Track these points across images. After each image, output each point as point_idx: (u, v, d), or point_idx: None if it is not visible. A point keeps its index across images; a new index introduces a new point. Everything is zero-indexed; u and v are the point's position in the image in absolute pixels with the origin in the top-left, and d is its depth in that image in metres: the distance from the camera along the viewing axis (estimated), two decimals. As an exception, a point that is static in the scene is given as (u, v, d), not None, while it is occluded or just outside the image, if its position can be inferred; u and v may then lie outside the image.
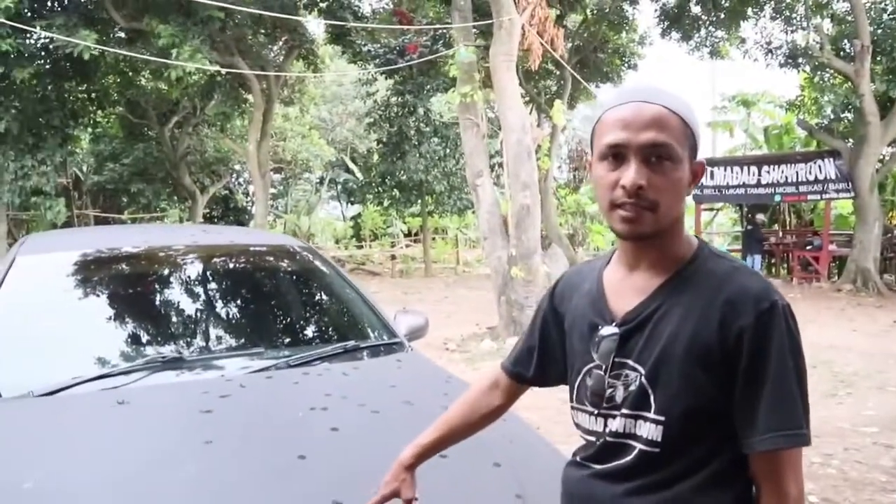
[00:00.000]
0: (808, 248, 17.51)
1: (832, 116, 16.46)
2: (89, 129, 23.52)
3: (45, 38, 16.56)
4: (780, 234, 19.84)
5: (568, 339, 1.36)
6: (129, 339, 2.73)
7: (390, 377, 2.58)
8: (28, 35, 16.27)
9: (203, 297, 3.06)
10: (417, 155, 20.93)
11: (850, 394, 6.50)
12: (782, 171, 16.92)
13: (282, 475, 1.78)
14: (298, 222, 28.51)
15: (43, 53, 17.64)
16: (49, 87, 18.00)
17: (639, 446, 1.20)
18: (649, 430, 1.19)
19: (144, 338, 2.77)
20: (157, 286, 3.02)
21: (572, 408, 1.34)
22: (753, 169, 17.37)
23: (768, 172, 17.12)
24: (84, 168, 26.32)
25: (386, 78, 21.66)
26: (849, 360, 7.92)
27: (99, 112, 22.32)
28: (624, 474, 1.22)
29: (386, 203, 23.27)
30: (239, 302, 3.19)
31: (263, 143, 19.32)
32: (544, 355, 1.44)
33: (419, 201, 22.75)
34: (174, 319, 2.89)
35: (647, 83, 1.26)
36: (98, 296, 2.90)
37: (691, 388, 1.16)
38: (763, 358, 1.13)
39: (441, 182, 21.51)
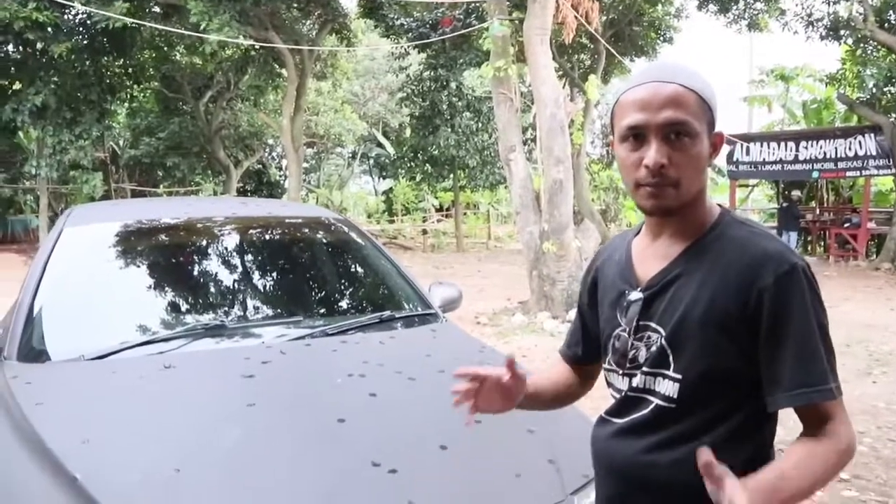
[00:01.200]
0: (846, 225, 17.20)
1: (874, 91, 16.03)
2: (126, 104, 23.83)
3: (82, 13, 16.75)
4: (818, 211, 19.50)
5: (601, 308, 1.42)
6: (172, 307, 2.82)
7: (425, 346, 2.64)
8: (66, 9, 16.47)
9: (242, 267, 3.14)
10: (450, 129, 20.88)
11: (885, 373, 6.43)
12: (821, 147, 16.59)
13: (323, 437, 1.84)
14: (330, 196, 28.69)
15: (80, 28, 17.88)
16: (87, 62, 18.25)
17: (656, 401, 1.26)
18: (668, 387, 1.24)
19: (187, 306, 2.86)
20: (198, 256, 3.10)
21: (605, 369, 1.41)
22: (791, 145, 17.05)
23: (806, 148, 16.79)
24: (121, 142, 26.71)
25: (419, 52, 21.58)
26: (885, 338, 7.82)
27: (135, 87, 22.59)
28: (643, 429, 1.28)
29: (418, 178, 23.29)
30: (277, 272, 3.26)
31: (297, 118, 19.42)
32: (589, 333, 1.50)
33: (451, 176, 22.73)
34: (215, 288, 2.98)
35: (663, 62, 1.30)
36: (142, 265, 2.99)
37: (709, 350, 1.20)
38: (785, 317, 1.16)
39: (473, 157, 21.45)
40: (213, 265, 3.10)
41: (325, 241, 3.52)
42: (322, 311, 3.06)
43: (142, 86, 23.01)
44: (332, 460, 1.75)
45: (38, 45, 16.70)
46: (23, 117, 17.08)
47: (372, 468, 1.70)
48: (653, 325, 1.28)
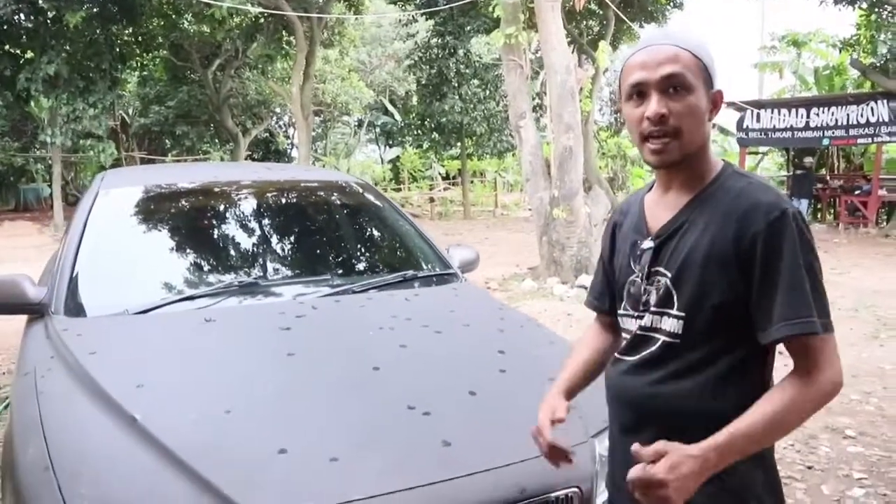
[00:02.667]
0: (857, 192, 17.16)
1: (888, 56, 15.88)
2: (136, 73, 23.82)
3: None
4: (828, 178, 19.44)
5: (618, 258, 1.55)
6: (207, 266, 2.94)
7: (448, 303, 2.76)
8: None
9: (271, 227, 3.25)
10: (457, 97, 20.83)
11: (892, 336, 6.54)
12: (832, 114, 16.50)
13: (360, 383, 1.97)
14: (337, 165, 28.71)
15: (91, -3, 17.79)
16: (98, 31, 18.23)
17: (662, 338, 1.39)
18: (672, 324, 1.37)
19: (220, 265, 2.97)
20: (228, 217, 3.21)
21: (619, 315, 1.53)
22: (802, 111, 16.96)
23: (817, 115, 16.70)
24: (130, 111, 26.73)
25: (426, 19, 21.46)
26: (893, 304, 7.90)
27: (145, 55, 22.56)
28: (651, 364, 1.40)
29: (425, 145, 23.30)
30: (305, 233, 3.37)
31: (306, 86, 19.39)
32: (611, 284, 1.61)
33: (458, 144, 22.72)
34: (246, 248, 3.09)
35: (665, 30, 1.48)
36: (176, 226, 3.10)
37: (709, 289, 1.32)
38: (775, 258, 1.27)
39: (480, 124, 21.42)
40: (242, 226, 3.21)
41: (348, 203, 3.63)
42: (348, 270, 3.18)
43: (151, 54, 22.98)
44: (370, 403, 1.87)
45: (50, 14, 16.70)
46: (36, 86, 17.13)
47: (407, 411, 1.83)
48: (662, 269, 1.40)
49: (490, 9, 13.44)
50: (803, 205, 17.21)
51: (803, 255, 1.28)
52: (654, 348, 1.40)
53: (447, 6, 18.72)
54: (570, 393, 1.65)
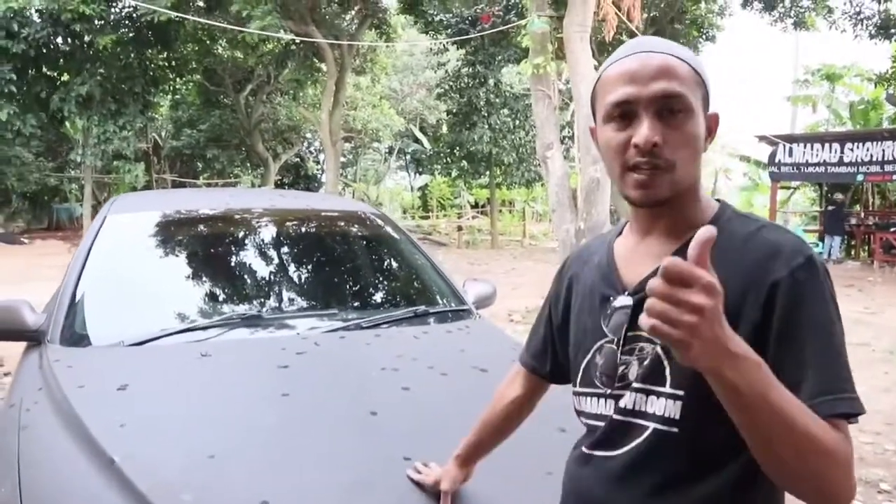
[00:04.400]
0: (892, 230, 16.78)
1: (925, 92, 15.62)
2: (168, 96, 24.28)
3: (128, 6, 17.07)
4: (862, 214, 19.06)
5: (576, 319, 1.25)
6: (210, 297, 2.86)
7: (459, 342, 2.63)
8: (112, 3, 16.79)
9: (279, 258, 3.17)
10: (487, 126, 20.87)
11: (930, 381, 6.28)
12: (867, 149, 16.20)
13: (354, 429, 1.85)
14: (367, 191, 28.88)
15: (126, 21, 18.25)
16: (131, 55, 18.65)
17: (652, 425, 1.06)
18: (664, 406, 1.05)
19: (224, 295, 2.90)
20: (236, 247, 3.14)
21: (576, 393, 1.23)
22: (836, 146, 16.68)
23: (851, 150, 16.41)
24: (163, 133, 27.19)
25: (457, 48, 21.59)
26: (930, 347, 7.62)
27: (178, 79, 23.04)
28: (642, 465, 1.07)
29: (454, 174, 23.33)
30: (314, 264, 3.29)
31: (336, 112, 19.56)
32: (558, 348, 1.35)
33: (487, 173, 22.72)
34: (252, 279, 3.01)
35: (649, 37, 1.14)
36: (182, 254, 3.04)
37: None
38: (801, 314, 0.98)
39: (510, 154, 21.42)
40: (250, 256, 3.13)
41: (361, 234, 3.54)
42: (357, 304, 3.08)
43: (184, 78, 23.45)
44: (363, 453, 1.75)
45: (86, 38, 17.10)
46: (69, 107, 17.51)
47: (403, 462, 1.71)
48: (644, 334, 1.08)
49: (520, 38, 13.45)
50: (836, 242, 16.87)
51: (835, 311, 1.01)
52: (640, 440, 1.07)
53: (478, 35, 18.81)
54: (468, 458, 1.55)
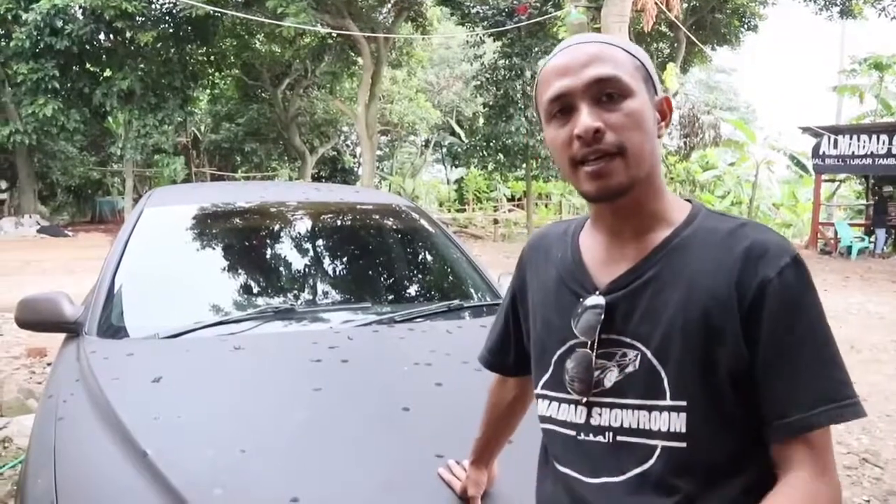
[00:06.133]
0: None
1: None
2: (207, 91, 24.63)
3: (168, 2, 17.32)
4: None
5: (538, 314, 1.18)
6: (244, 290, 2.86)
7: (493, 337, 2.60)
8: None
9: (313, 251, 3.16)
10: (523, 118, 20.74)
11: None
12: (917, 141, 15.75)
13: (386, 425, 1.83)
14: (403, 184, 28.95)
15: (166, 17, 18.54)
16: (171, 50, 18.94)
17: (659, 444, 0.99)
18: (669, 420, 0.98)
19: (258, 289, 2.90)
20: (271, 240, 3.14)
21: (540, 396, 1.15)
22: (884, 137, 16.24)
23: (900, 141, 15.97)
24: (202, 127, 27.58)
25: (494, 40, 21.50)
26: (983, 344, 7.38)
27: (216, 74, 23.35)
28: (651, 486, 0.99)
29: (490, 167, 23.24)
30: (347, 258, 3.28)
31: (372, 105, 19.63)
32: (520, 341, 1.28)
33: (524, 165, 22.60)
34: (286, 272, 3.01)
35: (581, 35, 1.11)
36: (217, 247, 3.05)
37: (714, 362, 0.97)
38: (793, 319, 0.95)
39: (546, 147, 21.23)
40: (284, 249, 3.13)
41: (395, 227, 3.52)
42: (390, 298, 3.06)
43: (223, 73, 23.75)
44: (395, 450, 1.73)
45: (127, 34, 17.39)
46: (111, 101, 17.86)
47: (435, 459, 1.68)
48: (626, 339, 1.03)
49: (557, 29, 13.33)
50: (880, 236, 16.46)
51: (823, 315, 0.98)
52: (652, 462, 0.99)
53: (515, 26, 18.69)
54: (480, 460, 1.53)
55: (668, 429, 0.98)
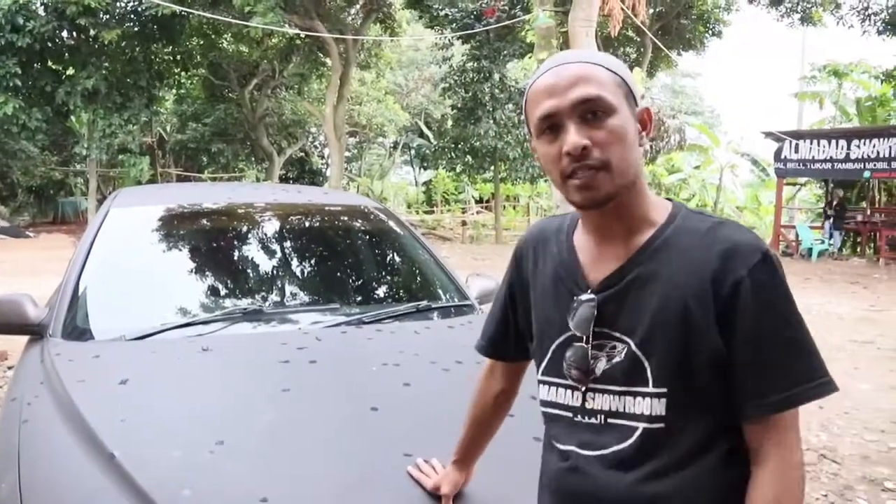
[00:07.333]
0: (899, 227, 16.75)
1: (933, 88, 15.55)
2: (173, 90, 24.30)
3: (133, 0, 17.07)
4: (868, 212, 18.98)
5: (539, 305, 1.28)
6: (211, 291, 2.85)
7: (461, 337, 2.61)
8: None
9: (281, 253, 3.16)
10: (491, 121, 20.83)
11: (933, 379, 6.25)
12: (874, 146, 16.15)
13: (355, 425, 1.84)
14: (371, 186, 28.86)
15: (131, 15, 18.25)
16: (136, 49, 18.66)
17: (641, 425, 1.12)
18: (650, 405, 1.11)
19: (226, 290, 2.89)
20: (238, 241, 3.13)
21: (541, 381, 1.27)
22: (842, 143, 16.63)
23: (858, 147, 16.36)
24: (168, 127, 27.21)
25: (462, 43, 21.56)
26: (935, 344, 7.59)
27: (183, 73, 23.04)
28: (631, 459, 1.13)
29: (458, 169, 23.29)
30: (316, 259, 3.28)
31: (340, 107, 19.55)
32: (519, 328, 1.37)
33: (492, 168, 22.69)
34: (254, 273, 3.00)
35: (566, 52, 1.21)
36: (184, 248, 3.03)
37: (692, 353, 1.08)
38: (765, 311, 1.06)
39: (514, 149, 21.37)
40: (252, 250, 3.13)
41: (363, 229, 3.53)
42: (359, 299, 3.07)
43: (189, 73, 23.45)
44: (364, 449, 1.74)
45: (91, 32, 17.10)
46: (74, 100, 17.52)
47: (403, 458, 1.70)
48: (615, 333, 1.15)
49: (525, 32, 13.42)
50: (836, 237, 17.07)
51: (794, 305, 1.09)
52: (632, 440, 1.13)
53: (483, 29, 18.77)
54: (463, 460, 1.57)
55: (650, 413, 1.11)
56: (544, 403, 1.27)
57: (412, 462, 1.67)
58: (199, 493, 1.53)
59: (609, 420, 1.16)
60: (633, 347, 1.13)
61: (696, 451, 1.11)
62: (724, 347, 1.07)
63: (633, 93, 1.15)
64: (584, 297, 1.18)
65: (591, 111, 1.10)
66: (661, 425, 1.11)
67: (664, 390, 1.10)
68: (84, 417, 1.80)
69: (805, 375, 1.07)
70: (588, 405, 1.18)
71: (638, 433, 1.12)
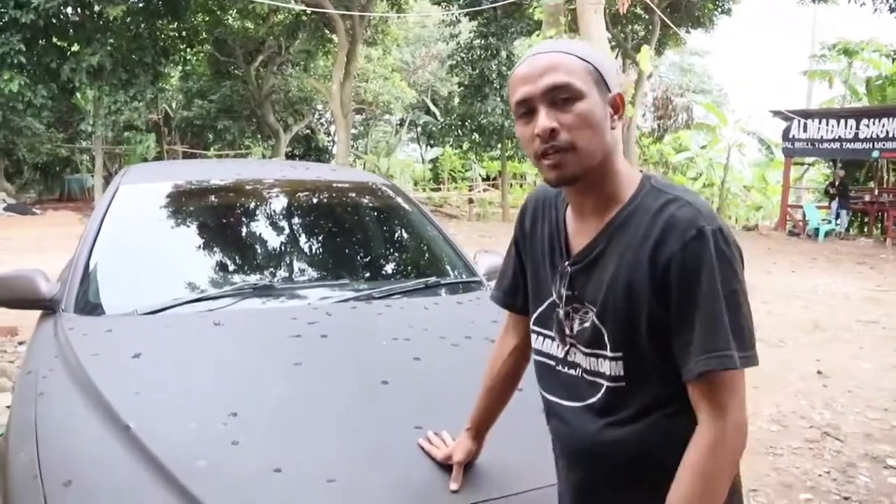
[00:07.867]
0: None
1: (944, 67, 15.38)
2: (179, 67, 24.19)
3: (139, -25, 16.95)
4: (876, 192, 18.88)
5: (535, 264, 1.42)
6: (222, 266, 2.87)
7: (470, 313, 2.64)
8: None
9: (290, 229, 3.18)
10: (499, 98, 20.70)
11: (939, 358, 6.26)
12: (883, 126, 16.04)
13: (366, 398, 1.87)
14: (378, 163, 28.78)
15: (137, -9, 18.10)
16: (142, 25, 18.55)
17: (605, 383, 1.27)
18: (611, 367, 1.25)
19: (236, 265, 2.91)
20: (248, 217, 3.15)
21: (533, 331, 1.42)
22: (851, 122, 16.50)
23: (867, 126, 16.25)
24: (173, 104, 27.14)
25: (470, 20, 21.39)
26: (941, 324, 7.59)
27: (188, 50, 22.93)
28: (598, 410, 1.29)
29: (465, 146, 23.19)
30: (325, 235, 3.30)
31: (346, 84, 19.46)
32: (526, 279, 1.47)
33: (499, 145, 22.58)
34: (264, 249, 3.02)
35: (543, 42, 1.32)
36: (194, 224, 3.05)
37: (637, 324, 1.20)
38: (691, 285, 1.15)
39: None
40: (262, 226, 3.14)
41: (372, 205, 3.54)
42: (368, 275, 3.09)
43: (195, 49, 23.33)
44: (374, 420, 1.77)
45: (96, 8, 17.01)
46: (80, 77, 17.47)
47: (414, 431, 1.72)
48: (585, 302, 1.28)
49: (533, 10, 13.32)
50: (843, 217, 16.96)
51: (722, 279, 1.15)
52: (599, 395, 1.28)
53: (490, 6, 18.62)
54: (480, 424, 1.62)
55: (611, 373, 1.26)
56: (536, 352, 1.43)
57: (423, 435, 1.70)
58: (213, 464, 1.56)
59: (585, 376, 1.31)
60: (593, 316, 1.26)
61: (649, 407, 1.24)
62: (665, 316, 1.18)
63: (606, 79, 1.23)
64: (563, 267, 1.32)
65: (561, 97, 1.19)
66: (623, 384, 1.25)
67: (619, 354, 1.24)
68: (99, 390, 1.83)
69: (718, 345, 1.14)
70: (569, 358, 1.33)
71: (603, 390, 1.28)
